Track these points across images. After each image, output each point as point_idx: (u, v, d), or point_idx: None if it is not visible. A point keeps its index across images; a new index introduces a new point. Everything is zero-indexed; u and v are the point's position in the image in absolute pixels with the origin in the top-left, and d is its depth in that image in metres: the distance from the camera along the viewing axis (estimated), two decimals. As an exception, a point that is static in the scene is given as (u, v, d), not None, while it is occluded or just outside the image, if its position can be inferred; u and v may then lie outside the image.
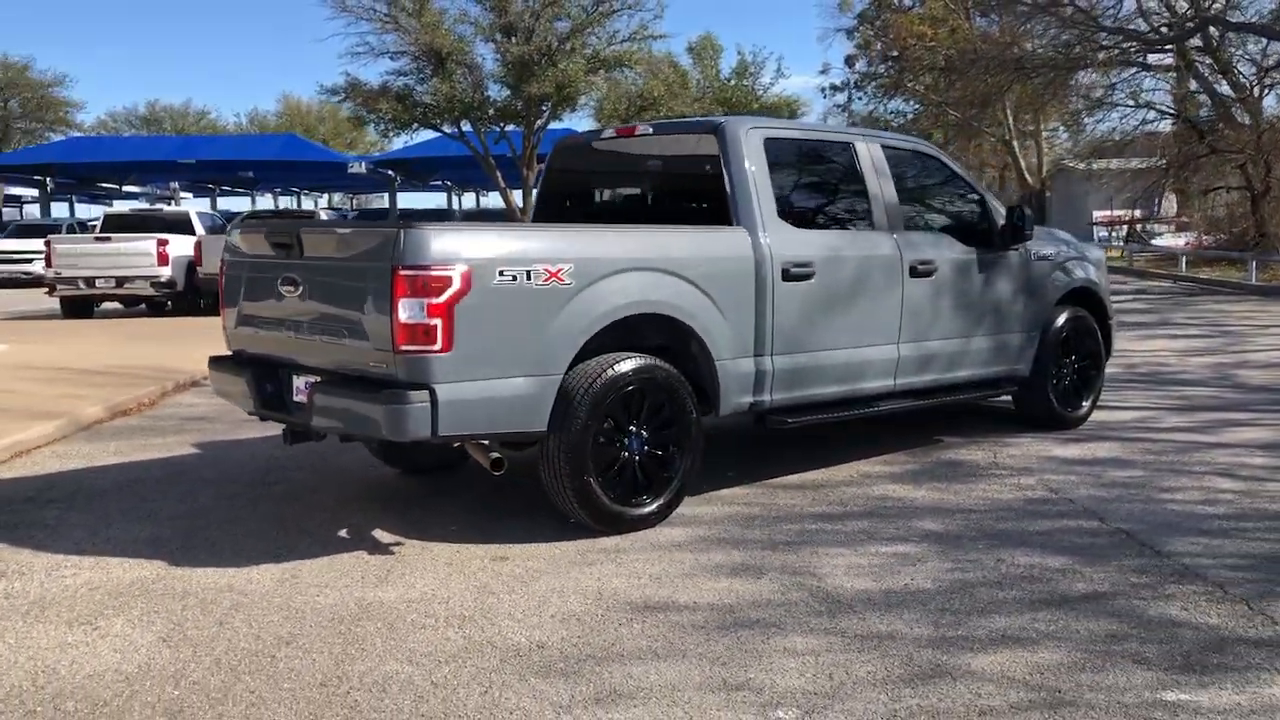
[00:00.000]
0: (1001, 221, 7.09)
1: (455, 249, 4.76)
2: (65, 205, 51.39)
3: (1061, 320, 7.54)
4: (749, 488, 6.23)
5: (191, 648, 3.96)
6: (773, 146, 6.10)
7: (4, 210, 48.28)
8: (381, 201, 54.75)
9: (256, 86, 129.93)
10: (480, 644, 3.99)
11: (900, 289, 6.45)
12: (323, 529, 5.51)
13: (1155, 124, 28.70)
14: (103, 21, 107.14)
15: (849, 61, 44.00)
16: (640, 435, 5.39)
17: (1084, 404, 7.83)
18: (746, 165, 5.88)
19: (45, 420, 8.12)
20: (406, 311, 4.67)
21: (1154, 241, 34.62)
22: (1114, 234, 37.37)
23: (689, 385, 5.54)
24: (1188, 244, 30.01)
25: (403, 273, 4.66)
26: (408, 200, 55.32)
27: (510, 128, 22.82)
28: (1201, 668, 3.70)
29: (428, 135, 25.42)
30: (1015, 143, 42.09)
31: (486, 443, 5.21)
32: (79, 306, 18.88)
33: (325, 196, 65.88)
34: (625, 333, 5.38)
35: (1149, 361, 11.29)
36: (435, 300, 4.68)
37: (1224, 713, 3.37)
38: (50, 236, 20.03)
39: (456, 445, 5.35)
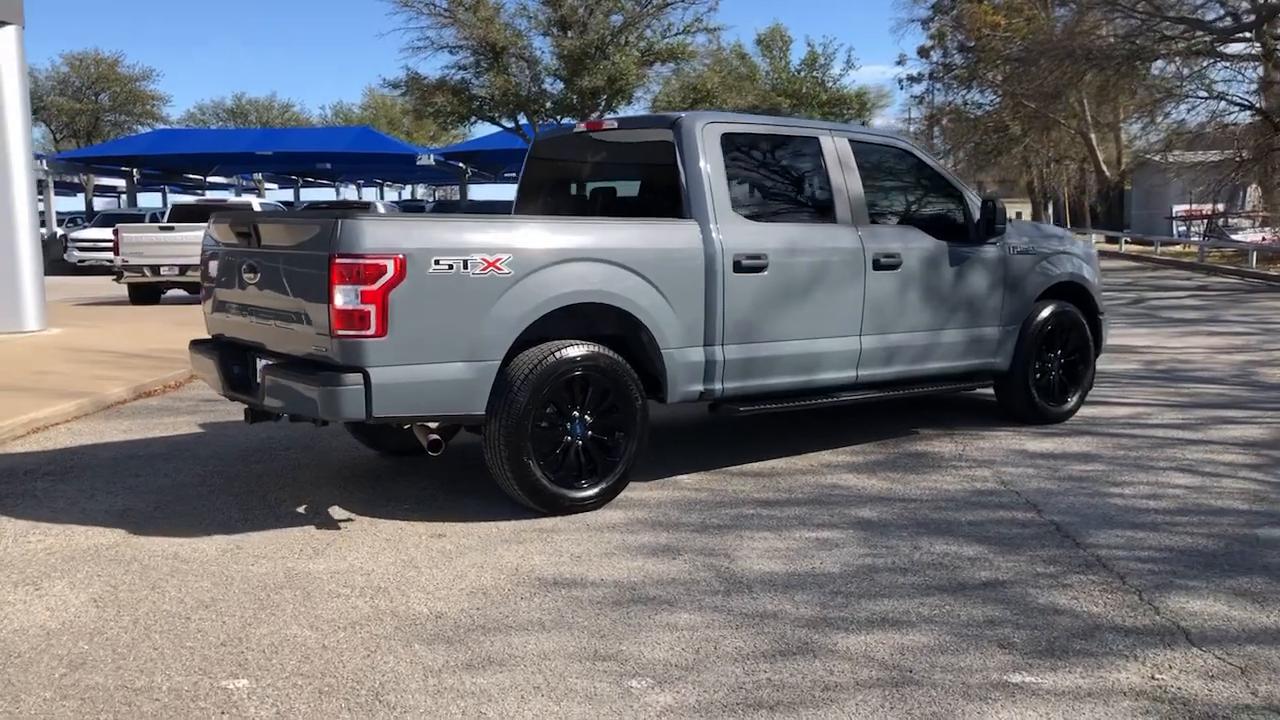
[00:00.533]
0: (977, 216, 7.11)
1: (390, 239, 4.99)
2: (159, 195, 53.17)
3: (1044, 315, 7.53)
4: (706, 474, 6.38)
5: (117, 608, 4.27)
6: (732, 141, 6.23)
7: (102, 200, 50.31)
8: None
9: (344, 80, 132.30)
10: (383, 612, 4.23)
11: (862, 282, 6.53)
12: (283, 504, 5.80)
13: (1230, 115, 27.89)
14: (193, 17, 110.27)
15: (922, 53, 43.50)
16: (584, 421, 5.58)
17: (1070, 399, 7.81)
18: (700, 160, 6.02)
19: (69, 399, 8.58)
20: (342, 298, 4.92)
21: (1234, 237, 33.66)
22: (1192, 229, 36.38)
23: (635, 373, 5.71)
24: (1264, 239, 29.14)
25: (338, 261, 4.91)
26: (483, 192, 56.10)
27: (567, 121, 23.11)
28: (1061, 653, 3.78)
29: (488, 129, 26.04)
30: (1093, 135, 41.22)
31: (435, 425, 5.45)
32: (145, 293, 19.60)
33: (408, 189, 67.02)
34: (574, 321, 5.58)
35: (1174, 359, 11.12)
36: (369, 287, 4.92)
37: (1060, 694, 3.46)
38: (119, 226, 20.81)
39: (406, 428, 5.59)
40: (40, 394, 8.83)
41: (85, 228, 33.35)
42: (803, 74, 42.59)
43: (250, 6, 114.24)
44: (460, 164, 38.73)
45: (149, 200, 50.80)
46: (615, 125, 6.81)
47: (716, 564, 4.77)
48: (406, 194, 66.03)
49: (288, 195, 57.89)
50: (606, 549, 5.00)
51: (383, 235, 4.99)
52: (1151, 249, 33.37)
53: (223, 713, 3.39)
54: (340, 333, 4.95)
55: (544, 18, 22.13)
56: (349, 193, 61.07)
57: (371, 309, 4.93)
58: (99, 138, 46.82)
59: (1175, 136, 29.31)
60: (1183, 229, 36.96)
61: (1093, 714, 3.33)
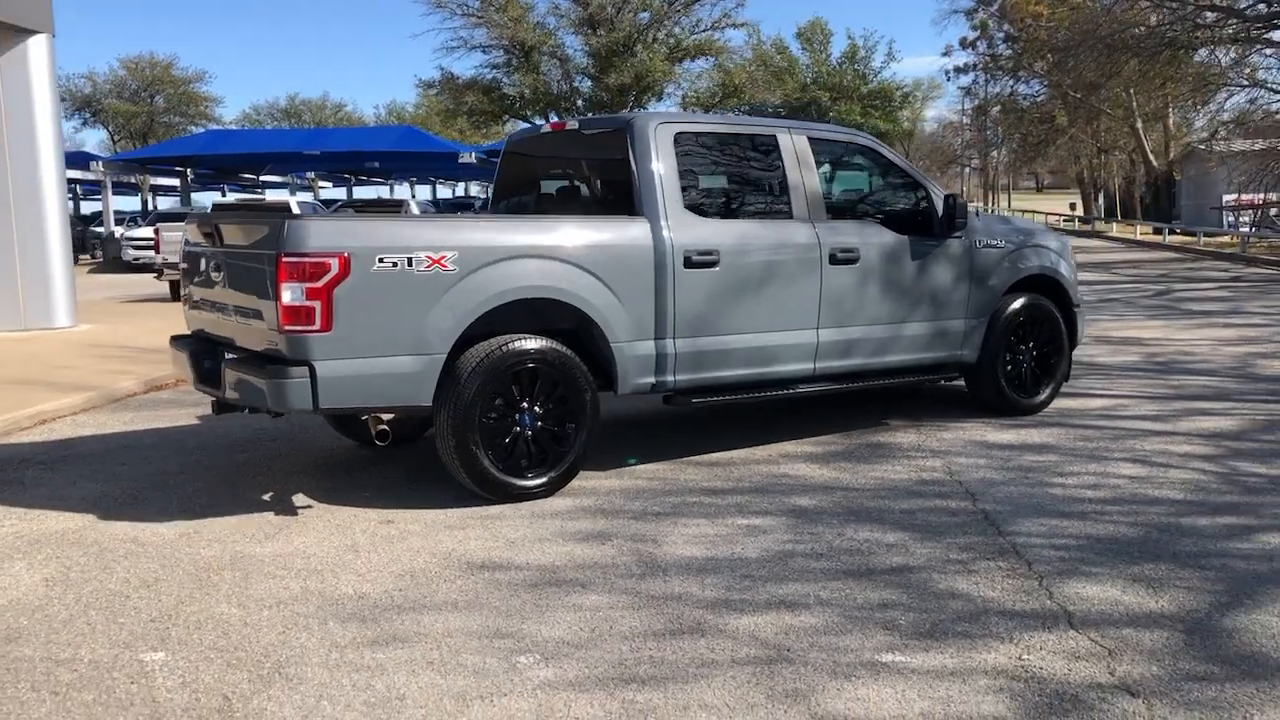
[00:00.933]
0: (940, 211, 7.20)
1: (335, 238, 5.24)
2: (219, 194, 54.33)
3: (1013, 307, 7.60)
4: (665, 463, 6.56)
5: (65, 588, 4.55)
6: (685, 141, 6.40)
7: (167, 200, 51.52)
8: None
9: (396, 79, 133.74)
10: (311, 593, 4.47)
11: (819, 276, 6.66)
12: (251, 492, 6.08)
13: (1273, 104, 27.37)
14: (246, 19, 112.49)
15: (965, 44, 43.14)
16: (533, 412, 5.79)
17: (1042, 391, 7.86)
18: (652, 159, 6.20)
19: (79, 392, 8.97)
20: (289, 294, 5.17)
21: (1284, 226, 32.96)
22: (1240, 219, 35.70)
23: (584, 366, 5.90)
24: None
25: (285, 259, 5.16)
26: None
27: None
28: (940, 635, 3.91)
29: (515, 128, 26.34)
30: (1139, 124, 40.58)
31: (389, 415, 5.69)
32: (183, 290, 20.11)
33: (460, 186, 67.57)
34: (526, 316, 5.78)
35: (1178, 350, 11.07)
36: (314, 284, 5.17)
37: (923, 673, 3.60)
38: (159, 225, 21.39)
39: (365, 417, 5.83)
40: (54, 388, 9.22)
41: (140, 227, 34.21)
42: (843, 67, 42.42)
43: (304, 9, 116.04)
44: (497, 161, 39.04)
45: (208, 200, 51.92)
46: (576, 126, 7.00)
47: (642, 549, 4.95)
48: (459, 191, 66.54)
49: (340, 193, 58.79)
50: (542, 534, 5.20)
51: (327, 235, 5.24)
52: (1194, 240, 32.82)
53: (132, 682, 3.64)
54: (287, 328, 5.20)
55: (574, 16, 22.39)
56: (403, 190, 61.74)
57: (316, 305, 5.18)
58: (154, 139, 48.03)
59: (1220, 125, 28.77)
60: (1231, 220, 36.28)
61: (946, 691, 3.47)
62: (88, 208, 51.36)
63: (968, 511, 5.45)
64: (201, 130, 49.43)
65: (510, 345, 5.65)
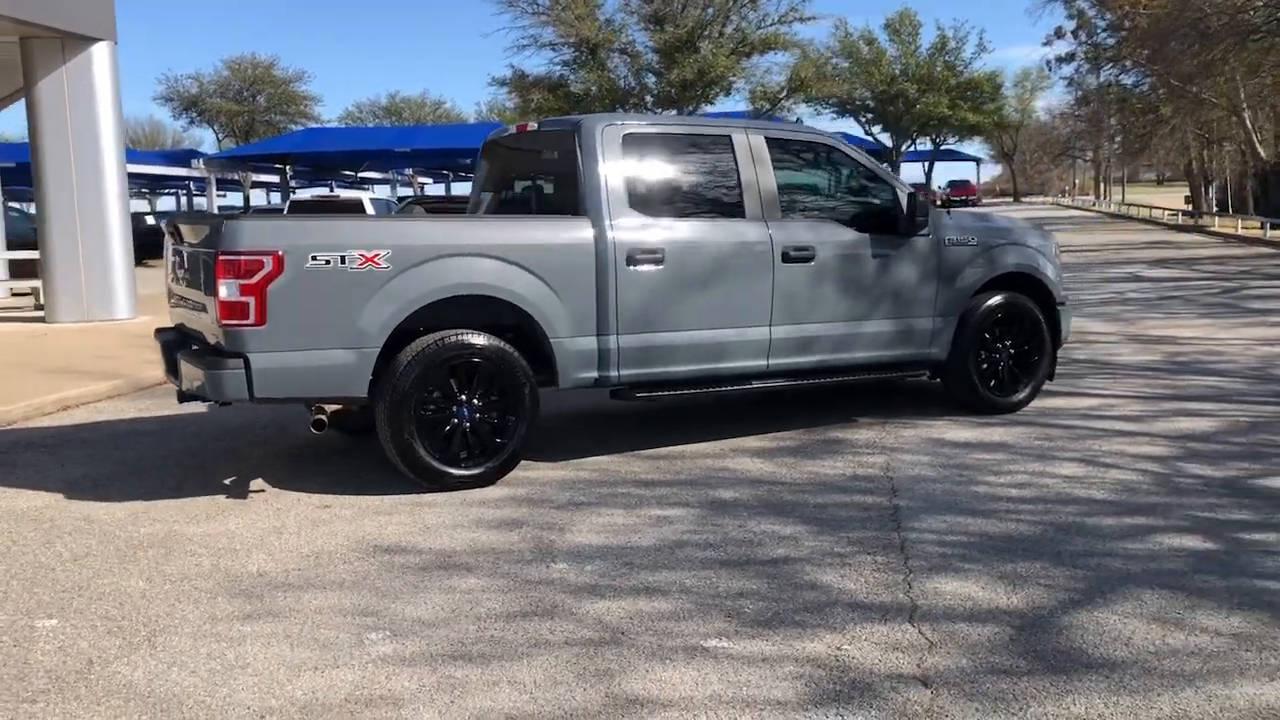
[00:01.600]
0: (904, 210, 7.22)
1: (268, 237, 5.55)
2: (324, 190, 56.11)
3: (988, 305, 7.58)
4: (615, 456, 6.73)
5: (2, 561, 4.95)
6: (634, 142, 6.56)
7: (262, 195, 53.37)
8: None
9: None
10: (218, 570, 4.78)
11: (770, 274, 6.76)
12: (215, 476, 6.45)
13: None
14: (347, 19, 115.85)
15: (1059, 34, 42.01)
16: (472, 404, 6.03)
17: (1021, 390, 7.81)
18: (598, 161, 6.38)
19: (107, 380, 9.53)
20: (225, 290, 5.50)
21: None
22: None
23: (523, 361, 6.11)
24: None
25: (221, 257, 5.49)
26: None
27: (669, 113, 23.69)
28: (777, 623, 4.03)
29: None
30: (1246, 114, 39.01)
31: (332, 407, 5.99)
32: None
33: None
34: (468, 311, 6.02)
35: (1205, 350, 10.79)
36: (248, 281, 5.49)
37: (739, 658, 3.73)
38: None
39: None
40: (88, 375, 9.80)
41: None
42: (933, 58, 41.71)
43: (405, 9, 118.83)
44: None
45: (308, 195, 53.65)
46: (537, 128, 7.22)
47: (544, 536, 5.15)
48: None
49: (440, 189, 60.11)
50: (460, 521, 5.44)
51: (260, 234, 5.55)
52: (1296, 234, 31.49)
53: (15, 645, 3.99)
54: (224, 322, 5.53)
55: (642, 13, 22.63)
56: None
57: (250, 301, 5.50)
58: (255, 137, 49.89)
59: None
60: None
61: (748, 676, 3.59)
62: (199, 204, 53.48)
63: (880, 507, 5.51)
64: (299, 129, 51.33)
65: (446, 340, 5.90)
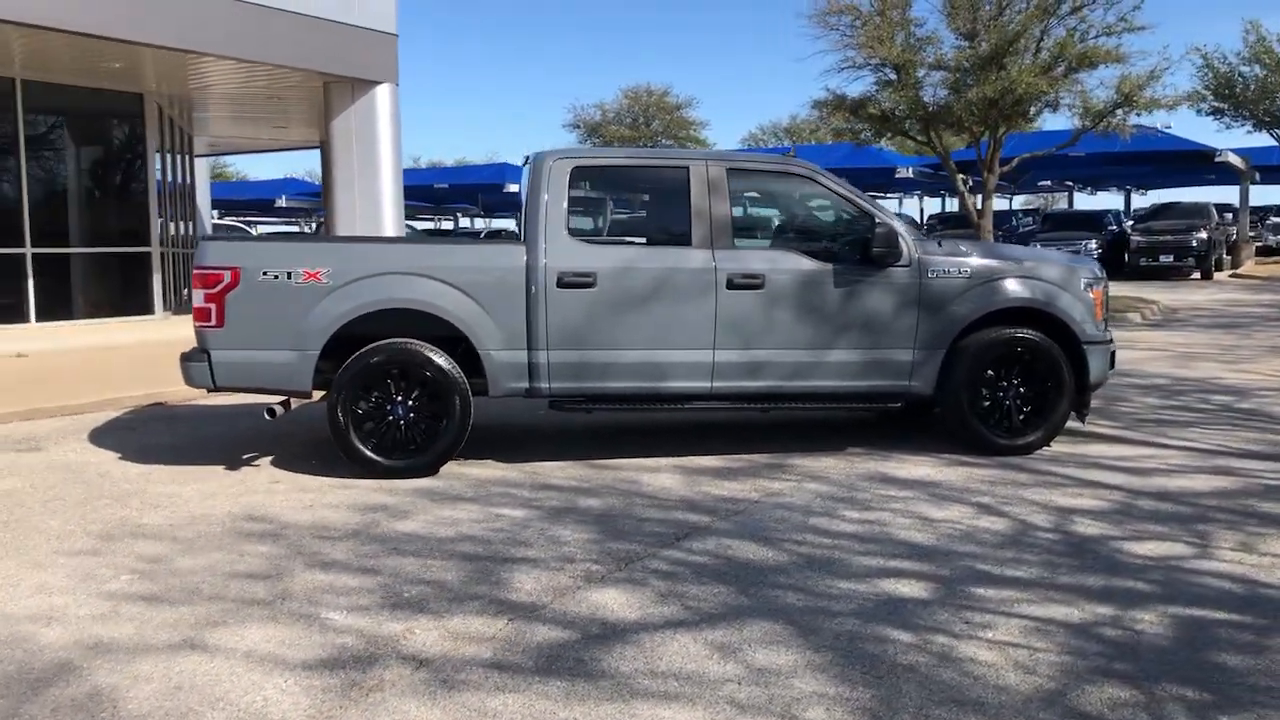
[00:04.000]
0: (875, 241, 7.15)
1: (229, 255, 6.79)
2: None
3: (985, 340, 7.28)
4: (567, 463, 7.26)
5: (11, 497, 6.48)
6: (584, 175, 7.15)
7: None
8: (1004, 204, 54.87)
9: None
10: (122, 520, 5.98)
11: (713, 299, 7.03)
12: (238, 452, 7.75)
13: None
14: (727, 52, 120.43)
15: None
16: (406, 404, 6.90)
17: (1032, 433, 7.39)
18: (542, 191, 7.03)
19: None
20: (197, 298, 6.79)
21: None
22: None
23: (452, 368, 6.86)
24: None
25: (195, 270, 6.79)
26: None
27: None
28: (403, 605, 4.56)
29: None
30: None
31: (288, 401, 7.14)
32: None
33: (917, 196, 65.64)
34: (408, 324, 6.88)
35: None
36: (211, 290, 6.74)
37: (344, 630, 4.33)
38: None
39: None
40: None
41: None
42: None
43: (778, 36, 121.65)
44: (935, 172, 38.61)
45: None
46: (528, 160, 7.94)
47: (382, 521, 5.88)
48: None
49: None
50: (342, 502, 6.28)
51: (222, 253, 6.80)
52: None
53: (-86, 551, 5.41)
54: (197, 324, 6.83)
55: (956, 28, 22.05)
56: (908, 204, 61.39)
57: (213, 307, 6.74)
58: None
59: None
60: None
61: (328, 640, 4.20)
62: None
63: (689, 526, 5.73)
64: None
65: (379, 347, 6.82)
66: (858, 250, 7.23)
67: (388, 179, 16.16)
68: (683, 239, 7.15)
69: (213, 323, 6.78)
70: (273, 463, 7.42)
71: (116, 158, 17.60)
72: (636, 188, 7.36)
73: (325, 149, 16.31)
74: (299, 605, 4.60)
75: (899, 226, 7.27)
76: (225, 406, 9.67)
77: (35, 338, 13.93)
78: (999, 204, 55.60)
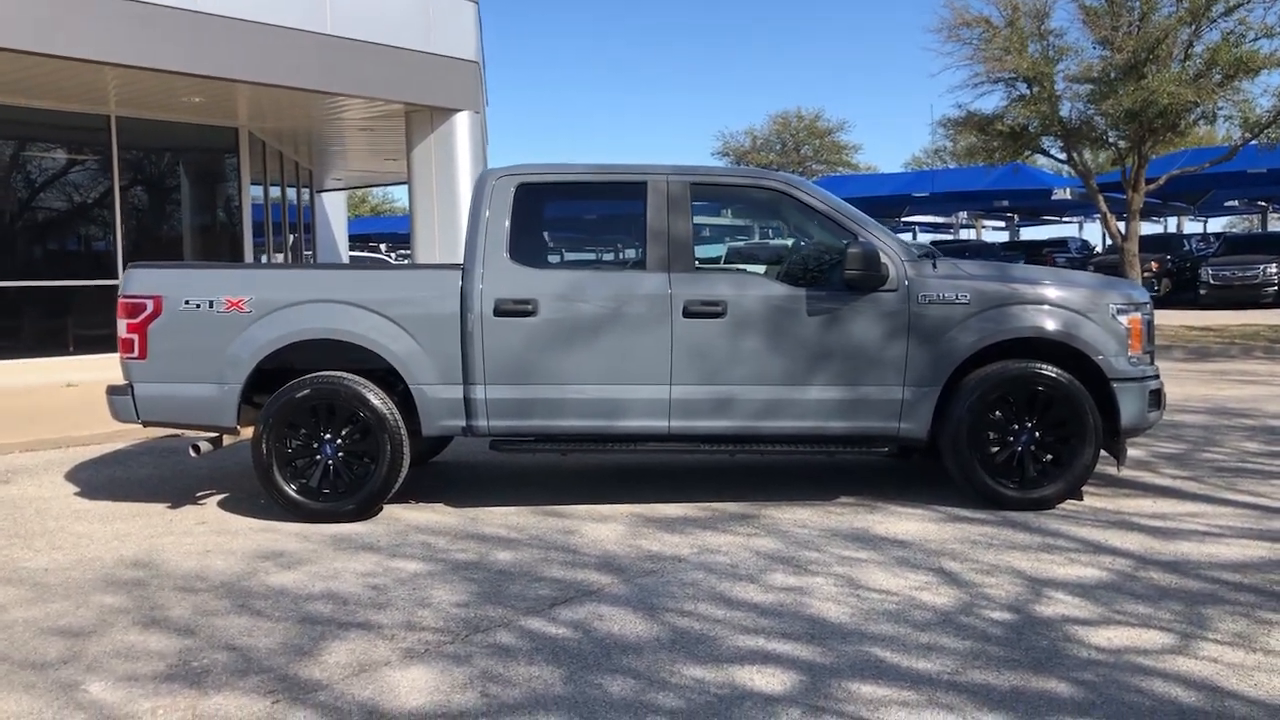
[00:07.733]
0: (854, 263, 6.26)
1: (152, 283, 6.43)
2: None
3: (990, 376, 6.29)
4: (515, 509, 6.60)
5: (-77, 531, 6.32)
6: (530, 194, 6.50)
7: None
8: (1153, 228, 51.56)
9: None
10: (10, 561, 5.70)
11: (668, 329, 6.28)
12: (202, 489, 7.43)
13: None
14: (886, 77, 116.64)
15: None
16: (334, 443, 6.41)
17: (1049, 485, 6.33)
18: (482, 211, 6.45)
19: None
20: (120, 328, 6.47)
21: None
22: None
23: (382, 404, 6.32)
24: None
25: (119, 299, 6.48)
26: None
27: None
28: (310, 654, 4.02)
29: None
30: None
31: (219, 437, 6.73)
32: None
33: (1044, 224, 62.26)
34: (334, 355, 6.40)
35: None
36: (134, 320, 6.41)
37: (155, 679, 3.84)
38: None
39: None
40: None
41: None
42: None
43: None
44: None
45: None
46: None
47: (272, 579, 5.32)
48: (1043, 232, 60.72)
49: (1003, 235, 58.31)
50: (257, 552, 5.74)
51: (145, 280, 6.45)
52: None
53: None
54: (121, 356, 6.50)
55: (1093, 40, 20.49)
56: (1071, 230, 58.71)
57: (135, 338, 6.41)
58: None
59: None
60: None
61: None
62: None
63: (581, 589, 5.00)
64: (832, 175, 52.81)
65: (307, 379, 6.34)
66: (838, 273, 6.35)
67: (465, 202, 15.92)
68: (636, 262, 6.44)
69: (135, 354, 6.45)
70: (219, 503, 7.04)
71: (209, 191, 17.80)
72: (587, 207, 6.70)
73: (409, 178, 16.22)
74: (72, 673, 4.11)
75: (884, 245, 6.37)
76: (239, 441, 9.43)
77: (110, 368, 14.18)
78: (1171, 227, 52.24)
